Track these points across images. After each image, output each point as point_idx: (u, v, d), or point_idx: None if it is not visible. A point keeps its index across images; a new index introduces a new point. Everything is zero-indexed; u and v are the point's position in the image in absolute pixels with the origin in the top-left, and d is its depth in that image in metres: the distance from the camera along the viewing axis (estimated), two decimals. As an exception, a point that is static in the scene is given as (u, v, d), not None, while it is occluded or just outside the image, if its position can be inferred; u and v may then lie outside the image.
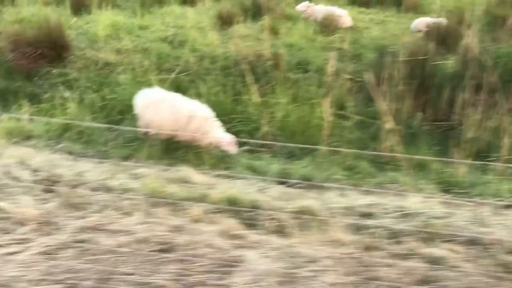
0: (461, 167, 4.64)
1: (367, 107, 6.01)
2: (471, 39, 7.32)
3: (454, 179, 4.49)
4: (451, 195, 4.07)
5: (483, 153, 5.26)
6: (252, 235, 2.78)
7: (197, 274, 2.37)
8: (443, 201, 3.74)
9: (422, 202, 3.55)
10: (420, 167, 4.76)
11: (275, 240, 2.73)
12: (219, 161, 4.53)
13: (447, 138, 5.73)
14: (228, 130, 5.28)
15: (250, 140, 4.88)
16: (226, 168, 4.42)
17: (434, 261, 2.60)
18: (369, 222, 3.04)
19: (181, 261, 2.46)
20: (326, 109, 5.17)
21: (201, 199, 3.21)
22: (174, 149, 4.68)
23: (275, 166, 4.48)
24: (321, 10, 9.53)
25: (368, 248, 2.70)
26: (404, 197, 3.63)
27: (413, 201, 3.46)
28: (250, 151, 5.01)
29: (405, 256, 2.64)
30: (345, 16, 9.44)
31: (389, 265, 2.53)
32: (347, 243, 2.72)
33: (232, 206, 3.15)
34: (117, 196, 3.12)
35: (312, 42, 8.56)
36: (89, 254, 2.47)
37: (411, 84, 6.32)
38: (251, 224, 2.97)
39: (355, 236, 2.83)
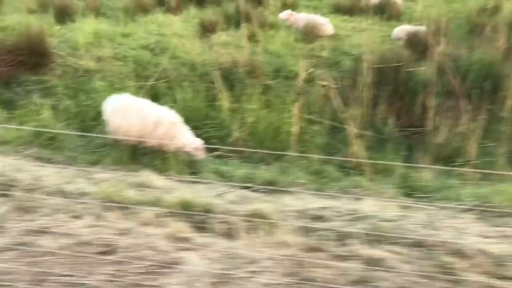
0: (425, 172, 4.71)
1: (340, 113, 6.07)
2: (444, 47, 7.44)
3: (418, 184, 4.56)
4: (412, 199, 4.12)
5: (453, 158, 5.33)
6: (199, 238, 2.81)
7: (132, 275, 2.41)
8: (401, 205, 3.79)
9: (379, 206, 3.60)
10: (386, 172, 4.82)
11: (221, 243, 2.77)
12: (186, 166, 4.57)
13: (418, 144, 5.81)
14: (201, 135, 5.35)
15: (219, 147, 4.95)
16: (193, 173, 4.47)
17: (373, 262, 2.64)
18: (319, 224, 3.08)
19: (120, 262, 2.49)
20: (295, 115, 5.23)
21: (156, 203, 3.25)
22: (142, 155, 4.72)
23: (242, 171, 4.53)
24: (303, 18, 9.63)
25: (311, 250, 2.74)
26: (362, 201, 3.67)
27: (369, 205, 3.51)
28: (219, 156, 5.06)
29: (345, 258, 2.68)
30: (326, 24, 9.54)
31: (327, 266, 2.56)
32: (292, 245, 2.76)
33: (186, 210, 3.19)
34: (72, 200, 3.16)
35: (293, 50, 8.63)
36: (28, 256, 2.50)
37: (384, 91, 6.41)
38: (201, 227, 3.01)
39: (301, 238, 2.87)
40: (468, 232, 3.19)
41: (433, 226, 3.28)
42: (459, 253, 2.78)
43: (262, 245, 2.74)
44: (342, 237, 2.92)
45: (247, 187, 4.03)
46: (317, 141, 5.35)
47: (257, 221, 3.06)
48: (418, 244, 2.89)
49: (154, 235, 2.79)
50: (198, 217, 3.10)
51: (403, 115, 6.36)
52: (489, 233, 3.23)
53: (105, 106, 4.82)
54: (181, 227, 2.91)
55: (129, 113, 4.61)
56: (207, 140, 5.40)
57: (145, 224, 2.94)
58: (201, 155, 4.62)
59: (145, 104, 4.73)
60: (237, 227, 2.97)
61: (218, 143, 5.36)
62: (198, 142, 4.65)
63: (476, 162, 5.07)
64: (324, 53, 8.41)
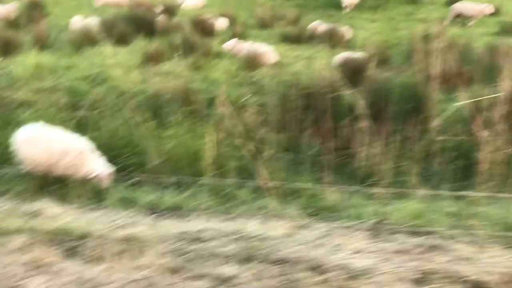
0: (334, 192, 4.79)
1: (262, 136, 6.18)
2: (374, 71, 7.70)
3: (324, 204, 4.63)
4: (313, 219, 4.18)
5: (370, 178, 5.44)
6: (60, 264, 2.80)
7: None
8: (296, 225, 3.84)
9: (269, 226, 3.64)
10: (297, 194, 4.89)
11: (79, 267, 2.76)
12: (93, 194, 4.57)
13: (339, 166, 5.93)
14: (121, 163, 5.38)
15: (130, 174, 4.98)
16: (99, 201, 4.47)
17: (224, 280, 2.67)
18: (192, 246, 3.10)
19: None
20: (211, 140, 5.30)
21: (34, 231, 3.23)
22: (50, 184, 4.71)
23: (149, 197, 4.55)
24: (246, 47, 9.85)
25: (170, 271, 2.75)
26: (253, 222, 3.71)
27: (255, 225, 3.55)
28: (135, 183, 5.08)
29: (199, 277, 2.70)
30: (269, 52, 9.77)
31: (174, 286, 2.58)
32: (152, 267, 2.77)
33: (63, 237, 3.18)
34: None
35: (233, 78, 8.81)
36: None
37: (312, 115, 6.57)
38: (70, 253, 3.00)
39: (166, 259, 2.88)
40: (344, 248, 3.24)
41: (313, 244, 3.32)
42: (318, 268, 2.82)
43: (121, 269, 2.74)
44: (209, 258, 2.94)
45: (152, 213, 4.07)
46: (235, 164, 5.40)
47: (130, 245, 3.06)
48: (283, 261, 2.93)
49: (12, 262, 2.76)
50: (71, 243, 3.09)
51: (329, 138, 6.50)
52: (365, 249, 3.28)
53: (15, 136, 4.82)
54: (47, 254, 2.89)
55: (36, 143, 4.61)
56: (127, 167, 5.44)
57: (10, 252, 2.91)
58: (107, 182, 4.63)
59: (55, 133, 4.74)
60: (107, 251, 2.97)
61: (138, 170, 5.39)
62: (105, 170, 4.66)
63: (389, 181, 5.18)
64: (263, 81, 8.60)
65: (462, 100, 6.34)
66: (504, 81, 6.64)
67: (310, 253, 3.08)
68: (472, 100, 5.79)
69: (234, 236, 3.31)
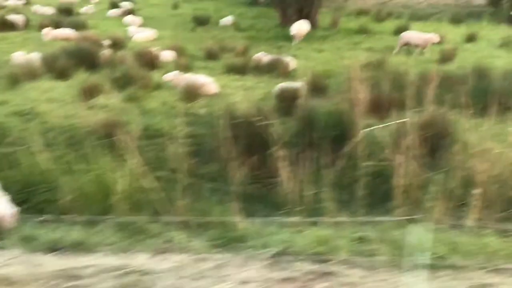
0: (244, 223, 4.74)
1: (199, 168, 6.18)
2: (305, 100, 7.85)
3: (234, 235, 4.57)
4: (217, 251, 4.12)
5: (288, 207, 5.42)
6: None
7: None
8: (194, 258, 3.77)
9: (160, 260, 3.56)
10: (210, 225, 4.82)
11: None
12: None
13: (263, 195, 5.94)
14: (35, 199, 5.23)
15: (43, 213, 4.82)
16: (-1, 240, 4.29)
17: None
18: (68, 284, 2.99)
19: None
20: (126, 173, 5.22)
21: None
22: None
23: (53, 234, 4.39)
24: (185, 78, 9.91)
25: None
26: (145, 256, 3.63)
27: (144, 259, 3.47)
28: (43, 221, 4.91)
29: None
30: (209, 83, 9.85)
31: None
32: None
33: None
34: None
35: (170, 109, 8.80)
36: None
37: (241, 144, 6.59)
38: None
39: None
40: (230, 279, 3.20)
41: (199, 275, 3.27)
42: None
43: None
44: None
45: (48, 251, 3.93)
46: (150, 198, 5.30)
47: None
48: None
49: None
50: None
51: (256, 167, 6.52)
52: (253, 278, 3.25)
53: None
54: None
55: None
56: (39, 204, 5.28)
57: None
58: (10, 222, 4.45)
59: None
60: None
61: (51, 206, 5.23)
62: (8, 210, 4.49)
63: (306, 208, 5.18)
64: (200, 111, 8.63)
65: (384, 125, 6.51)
66: (425, 106, 6.90)
67: (189, 285, 3.01)
68: (386, 124, 5.93)
69: (117, 272, 3.21)
